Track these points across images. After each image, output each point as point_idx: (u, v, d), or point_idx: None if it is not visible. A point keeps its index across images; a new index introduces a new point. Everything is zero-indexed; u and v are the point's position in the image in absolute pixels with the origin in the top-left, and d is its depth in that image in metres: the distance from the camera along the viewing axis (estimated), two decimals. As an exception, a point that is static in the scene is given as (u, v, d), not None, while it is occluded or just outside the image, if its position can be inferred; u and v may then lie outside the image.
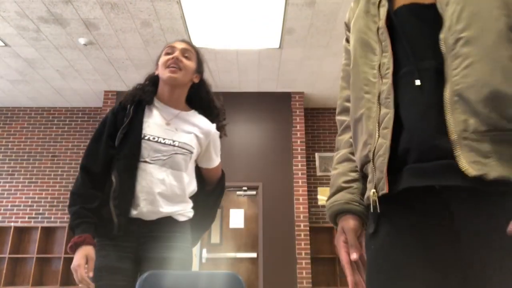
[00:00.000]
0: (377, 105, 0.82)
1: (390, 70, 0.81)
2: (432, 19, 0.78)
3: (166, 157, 1.58)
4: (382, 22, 0.86)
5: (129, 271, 1.49)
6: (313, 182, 6.48)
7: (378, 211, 0.80)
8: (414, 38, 0.81)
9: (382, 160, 0.78)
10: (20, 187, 6.43)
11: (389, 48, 0.83)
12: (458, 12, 0.74)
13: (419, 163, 0.74)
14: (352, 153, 0.96)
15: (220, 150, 1.79)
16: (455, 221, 0.72)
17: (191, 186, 1.67)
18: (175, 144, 1.61)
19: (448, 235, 0.72)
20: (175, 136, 1.62)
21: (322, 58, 5.44)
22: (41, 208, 6.33)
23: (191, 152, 1.65)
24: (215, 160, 1.76)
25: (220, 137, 1.78)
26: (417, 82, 0.77)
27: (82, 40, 4.94)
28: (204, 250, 5.59)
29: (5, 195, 6.39)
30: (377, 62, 0.85)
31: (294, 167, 5.96)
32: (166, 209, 1.55)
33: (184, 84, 1.69)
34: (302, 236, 5.66)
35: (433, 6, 0.79)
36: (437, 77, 0.74)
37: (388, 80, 0.81)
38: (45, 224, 6.14)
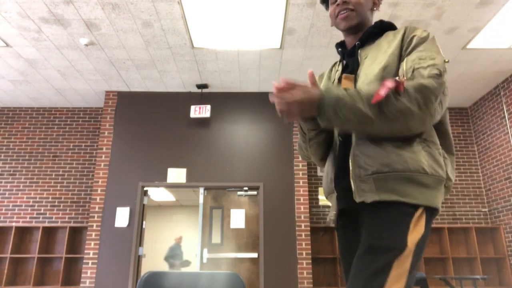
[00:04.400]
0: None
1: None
2: None
3: None
4: None
5: None
6: (314, 182, 6.49)
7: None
8: None
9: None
10: (21, 187, 6.45)
11: None
12: None
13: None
14: None
15: None
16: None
17: None
18: None
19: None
20: None
21: (323, 58, 5.44)
22: (42, 208, 6.34)
23: None
24: None
25: None
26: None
27: (83, 41, 4.95)
28: (205, 250, 5.60)
29: (6, 195, 6.40)
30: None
31: (295, 167, 5.96)
32: None
33: None
34: (303, 236, 5.66)
35: None
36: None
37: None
38: (46, 224, 6.15)
